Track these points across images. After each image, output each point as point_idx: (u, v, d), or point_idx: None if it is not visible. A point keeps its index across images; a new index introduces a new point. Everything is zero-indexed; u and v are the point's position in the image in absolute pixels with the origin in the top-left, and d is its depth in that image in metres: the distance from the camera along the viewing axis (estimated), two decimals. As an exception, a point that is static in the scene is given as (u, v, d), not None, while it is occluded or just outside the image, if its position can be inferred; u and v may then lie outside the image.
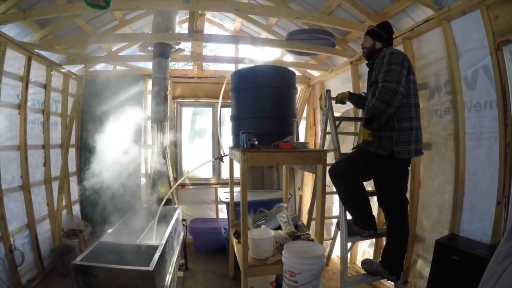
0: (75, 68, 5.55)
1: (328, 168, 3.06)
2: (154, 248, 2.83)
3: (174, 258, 3.47)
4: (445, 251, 2.76)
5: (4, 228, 3.76)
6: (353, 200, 2.95)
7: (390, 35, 2.96)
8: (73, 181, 5.71)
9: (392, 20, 3.70)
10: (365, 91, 3.30)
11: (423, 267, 3.35)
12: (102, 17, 4.84)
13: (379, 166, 2.81)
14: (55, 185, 5.07)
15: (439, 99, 3.23)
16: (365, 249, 4.57)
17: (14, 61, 4.02)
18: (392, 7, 3.62)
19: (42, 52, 4.44)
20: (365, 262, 3.16)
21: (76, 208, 5.77)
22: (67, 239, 4.97)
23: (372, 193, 3.11)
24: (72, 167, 5.65)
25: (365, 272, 3.13)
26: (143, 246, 3.02)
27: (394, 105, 2.54)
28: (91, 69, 5.92)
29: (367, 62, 3.05)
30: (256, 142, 3.09)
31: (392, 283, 3.14)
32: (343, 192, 2.97)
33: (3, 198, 3.78)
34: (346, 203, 3.00)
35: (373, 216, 3.04)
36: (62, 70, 5.13)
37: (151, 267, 2.41)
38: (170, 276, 3.06)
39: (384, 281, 3.55)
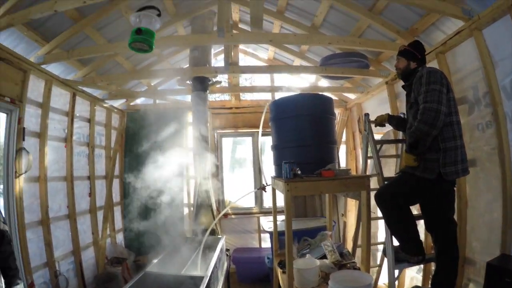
0: (117, 103, 5.89)
1: (373, 193, 2.96)
2: (200, 279, 2.82)
3: (219, 289, 3.46)
4: (496, 274, 2.55)
5: (50, 254, 3.94)
6: (399, 225, 2.81)
7: (423, 54, 2.89)
8: (117, 210, 5.94)
9: (423, 35, 3.66)
10: (404, 111, 3.22)
11: (475, 292, 3.10)
12: (141, 54, 5.08)
13: (425, 190, 2.68)
14: (100, 214, 5.29)
15: (479, 113, 3.06)
16: (413, 275, 4.29)
17: (60, 97, 4.33)
18: (421, 23, 3.56)
19: (85, 89, 4.75)
20: None
21: (120, 237, 5.95)
22: (110, 267, 5.11)
23: (418, 217, 2.96)
24: (116, 197, 5.89)
25: None
26: (188, 277, 3.02)
27: (438, 126, 2.44)
28: (132, 103, 6.23)
29: (403, 84, 2.98)
30: (299, 172, 3.08)
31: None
32: (389, 217, 2.83)
33: (50, 226, 3.99)
34: (392, 228, 2.85)
35: (421, 241, 2.87)
36: (105, 105, 5.45)
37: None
38: (215, 307, 3.03)
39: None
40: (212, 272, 3.03)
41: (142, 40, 3.03)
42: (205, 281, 2.72)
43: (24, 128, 3.57)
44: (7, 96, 3.31)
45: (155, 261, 3.36)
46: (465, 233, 3.23)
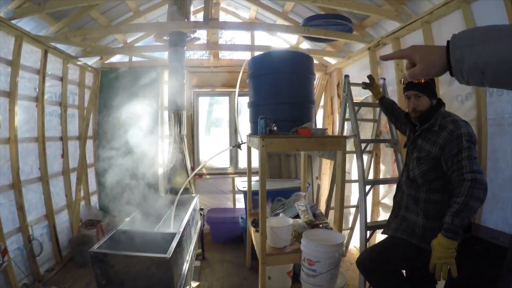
0: (91, 61, 5.61)
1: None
2: (172, 235, 2.77)
3: (192, 247, 3.43)
4: (467, 242, 2.66)
5: (23, 219, 3.85)
6: None
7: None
8: (91, 172, 5.81)
9: (410, 4, 3.58)
10: (384, 77, 3.10)
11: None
12: (117, 9, 4.83)
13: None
14: (73, 176, 5.17)
15: (460, 84, 3.07)
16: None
17: (31, 54, 4.07)
18: (410, -10, 3.47)
19: (58, 46, 4.48)
20: None
21: (94, 199, 5.88)
22: (85, 229, 5.07)
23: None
24: (90, 158, 5.74)
25: None
26: (161, 234, 2.97)
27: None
28: (107, 61, 5.95)
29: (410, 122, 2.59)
30: (275, 128, 3.06)
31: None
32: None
33: (22, 189, 3.86)
34: None
35: None
36: (79, 63, 5.18)
37: (168, 255, 2.36)
38: (187, 264, 3.03)
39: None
40: (185, 229, 3.00)
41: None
42: (177, 237, 2.69)
43: (-8, 87, 3.35)
44: (-26, 54, 3.06)
45: (127, 219, 3.30)
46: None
